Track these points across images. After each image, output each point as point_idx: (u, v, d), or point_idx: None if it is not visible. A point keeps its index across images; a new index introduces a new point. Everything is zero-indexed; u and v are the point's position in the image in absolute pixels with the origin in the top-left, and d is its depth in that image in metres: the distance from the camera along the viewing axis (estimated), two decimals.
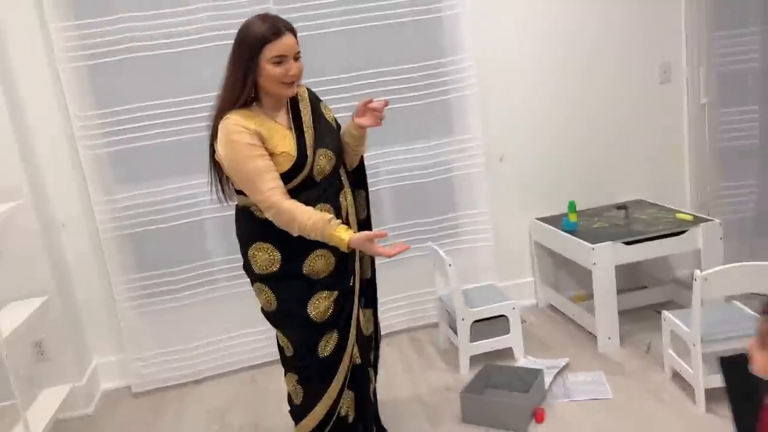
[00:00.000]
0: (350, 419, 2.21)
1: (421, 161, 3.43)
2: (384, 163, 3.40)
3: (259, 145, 1.96)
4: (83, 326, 3.29)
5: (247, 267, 2.14)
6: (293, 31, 1.99)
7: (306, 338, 2.13)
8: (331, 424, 2.17)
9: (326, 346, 2.13)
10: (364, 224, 2.33)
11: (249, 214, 2.09)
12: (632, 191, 3.70)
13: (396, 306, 3.56)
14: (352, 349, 2.18)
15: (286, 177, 2.00)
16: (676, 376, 2.78)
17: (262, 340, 3.33)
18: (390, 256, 1.96)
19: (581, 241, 3.10)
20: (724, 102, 3.56)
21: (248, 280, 2.18)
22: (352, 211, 2.22)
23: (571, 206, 3.35)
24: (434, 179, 3.47)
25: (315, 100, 2.18)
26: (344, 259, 2.12)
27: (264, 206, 1.98)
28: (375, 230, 2.07)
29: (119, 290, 3.20)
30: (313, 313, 2.08)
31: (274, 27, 1.94)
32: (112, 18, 2.97)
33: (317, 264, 2.08)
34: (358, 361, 2.21)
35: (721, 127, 3.59)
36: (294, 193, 2.01)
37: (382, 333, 2.69)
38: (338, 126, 2.23)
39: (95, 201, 3.11)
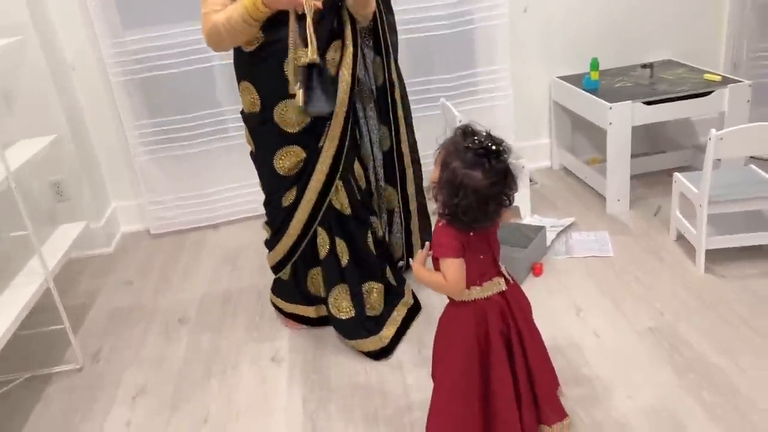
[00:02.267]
0: (343, 262, 2.30)
1: (440, 10, 3.25)
2: (399, 11, 3.21)
3: None
4: (100, 170, 3.38)
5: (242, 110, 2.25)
6: None
7: (272, 187, 2.28)
8: (293, 259, 2.37)
9: (287, 197, 2.26)
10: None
11: (238, 48, 2.10)
12: (662, 50, 3.48)
13: None
14: (309, 205, 2.24)
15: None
16: (681, 239, 2.76)
17: None
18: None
19: (599, 99, 2.98)
20: None
21: None
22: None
23: (594, 64, 3.18)
24: (453, 31, 3.30)
25: None
26: (314, 120, 2.13)
27: (203, 31, 1.99)
28: None
29: (132, 135, 3.24)
30: (278, 165, 2.19)
31: None
32: None
33: (287, 114, 2.11)
34: (348, 211, 2.28)
35: None
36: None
37: None
38: None
39: (103, 45, 3.06)
